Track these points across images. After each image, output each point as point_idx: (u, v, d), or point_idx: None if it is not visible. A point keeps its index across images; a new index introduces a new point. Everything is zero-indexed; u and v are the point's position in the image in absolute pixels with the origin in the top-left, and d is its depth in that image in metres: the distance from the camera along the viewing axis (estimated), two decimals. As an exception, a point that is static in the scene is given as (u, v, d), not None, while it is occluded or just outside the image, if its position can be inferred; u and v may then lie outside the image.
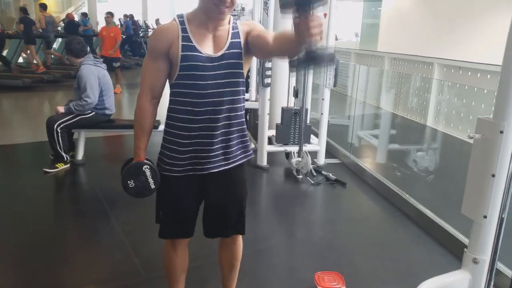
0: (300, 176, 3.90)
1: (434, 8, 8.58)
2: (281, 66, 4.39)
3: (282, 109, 4.06)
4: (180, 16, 1.57)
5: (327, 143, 4.61)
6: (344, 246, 2.81)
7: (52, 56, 10.69)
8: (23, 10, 9.45)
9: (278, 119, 4.18)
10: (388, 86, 6.73)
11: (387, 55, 7.73)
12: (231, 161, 1.66)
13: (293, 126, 4.05)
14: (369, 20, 13.86)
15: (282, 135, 4.08)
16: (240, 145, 1.69)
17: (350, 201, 3.67)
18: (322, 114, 4.18)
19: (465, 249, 1.52)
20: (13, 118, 6.80)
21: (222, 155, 1.64)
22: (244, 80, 1.64)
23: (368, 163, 4.23)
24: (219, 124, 1.58)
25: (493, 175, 1.37)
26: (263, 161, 4.16)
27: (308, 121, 4.29)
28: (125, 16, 15.12)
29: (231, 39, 1.56)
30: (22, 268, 2.43)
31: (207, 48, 1.53)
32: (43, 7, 10.11)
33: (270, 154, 4.29)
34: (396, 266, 2.57)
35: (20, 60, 10.12)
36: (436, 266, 2.54)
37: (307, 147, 4.07)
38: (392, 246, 2.83)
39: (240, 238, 1.87)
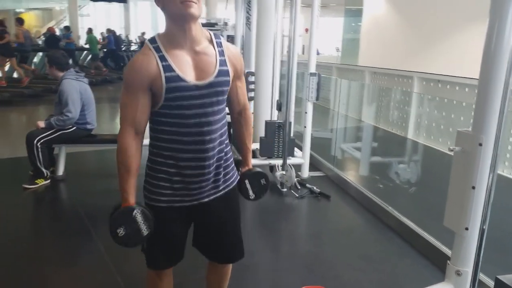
0: (285, 189, 3.91)
1: (412, 23, 8.80)
2: (265, 80, 4.41)
3: (266, 122, 4.07)
4: (152, 41, 1.45)
5: (311, 156, 4.63)
6: (329, 259, 2.81)
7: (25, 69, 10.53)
8: (1, 23, 9.34)
9: (262, 132, 4.19)
10: (369, 100, 6.83)
11: (368, 69, 7.87)
12: (221, 188, 1.61)
13: (277, 139, 4.07)
14: (349, 35, 14.11)
15: (266, 148, 4.09)
16: (229, 169, 1.65)
17: (335, 214, 3.68)
18: (305, 127, 4.21)
19: (448, 262, 1.54)
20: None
21: (213, 183, 1.57)
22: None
23: (351, 176, 4.26)
24: (208, 153, 1.50)
25: (473, 187, 1.40)
26: (247, 175, 4.15)
27: (292, 134, 4.31)
28: (108, 30, 15.09)
29: (220, 66, 1.48)
30: (0, 288, 2.36)
31: (189, 74, 1.43)
32: (20, 21, 10.03)
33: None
34: (381, 278, 2.58)
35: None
36: (419, 278, 2.56)
37: (291, 160, 4.08)
38: (376, 258, 2.84)
39: None
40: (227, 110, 1.63)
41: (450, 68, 6.07)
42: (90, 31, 13.65)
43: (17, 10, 17.85)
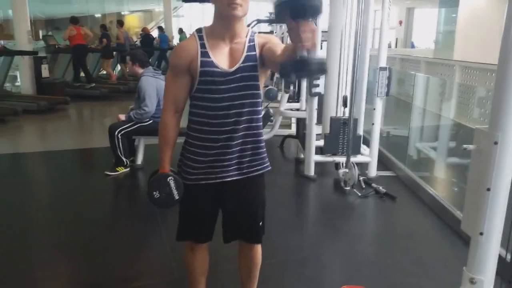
0: (348, 188, 3.81)
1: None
2: (334, 75, 4.33)
3: (331, 118, 4.01)
4: (199, 31, 1.63)
5: (383, 154, 4.45)
6: (382, 261, 2.71)
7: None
8: (103, 27, 10.36)
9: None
10: (457, 96, 6.33)
11: (458, 64, 7.29)
12: (244, 171, 1.70)
13: (342, 136, 3.98)
14: (445, 27, 13.13)
15: (330, 145, 4.03)
16: (257, 157, 1.72)
17: (398, 216, 3.51)
18: (373, 124, 4.06)
19: (464, 268, 1.41)
20: (90, 124, 7.47)
21: (236, 164, 1.68)
22: (260, 91, 1.67)
23: (423, 177, 4.00)
24: (233, 135, 1.62)
25: (488, 189, 1.26)
26: (310, 171, 4.12)
27: (361, 132, 4.18)
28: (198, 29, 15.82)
29: (247, 52, 1.60)
30: (70, 261, 2.69)
31: (223, 62, 1.58)
32: (120, 23, 11.00)
33: (320, 164, 4.26)
34: (434, 285, 2.43)
35: (103, 72, 11.05)
36: None
37: (357, 158, 3.98)
38: (434, 264, 2.67)
39: (257, 246, 1.89)
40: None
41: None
42: (181, 31, 14.43)
43: (122, 13, 19.51)
